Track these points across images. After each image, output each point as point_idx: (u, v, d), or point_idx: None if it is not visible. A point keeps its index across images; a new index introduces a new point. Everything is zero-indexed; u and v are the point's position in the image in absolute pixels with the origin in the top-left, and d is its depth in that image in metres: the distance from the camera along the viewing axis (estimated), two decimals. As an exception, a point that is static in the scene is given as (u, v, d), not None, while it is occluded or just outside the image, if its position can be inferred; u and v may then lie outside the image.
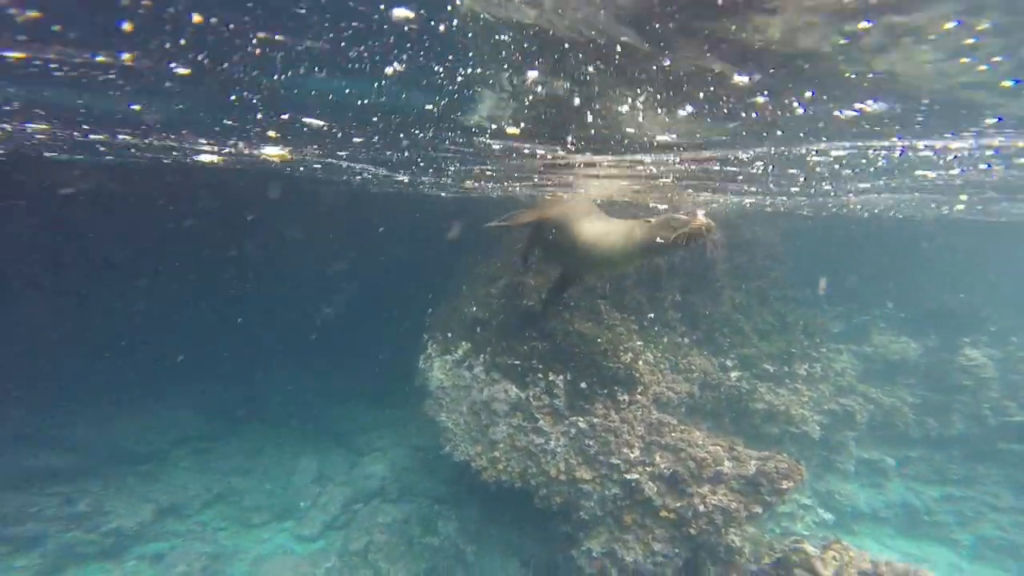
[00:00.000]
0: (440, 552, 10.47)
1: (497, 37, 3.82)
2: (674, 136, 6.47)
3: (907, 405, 13.13)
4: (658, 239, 5.31)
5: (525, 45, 3.97)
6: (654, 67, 4.25)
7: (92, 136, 8.56)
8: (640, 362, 8.72)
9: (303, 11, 3.47)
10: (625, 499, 7.84)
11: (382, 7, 3.33)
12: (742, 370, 10.19)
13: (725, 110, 5.30)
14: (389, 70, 4.49)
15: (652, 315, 9.27)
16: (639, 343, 8.96)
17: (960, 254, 16.19)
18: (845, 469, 11.85)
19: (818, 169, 8.14)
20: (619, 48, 3.86)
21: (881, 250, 15.63)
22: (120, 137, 8.62)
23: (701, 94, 4.88)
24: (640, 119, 5.75)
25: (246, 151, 9.48)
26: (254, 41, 4.00)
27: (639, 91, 4.92)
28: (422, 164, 9.95)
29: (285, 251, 15.82)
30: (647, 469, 7.77)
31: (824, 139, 6.41)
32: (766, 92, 4.76)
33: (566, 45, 3.89)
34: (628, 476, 7.82)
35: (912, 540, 12.75)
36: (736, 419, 10.23)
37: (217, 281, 15.32)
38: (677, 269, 9.44)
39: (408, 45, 3.94)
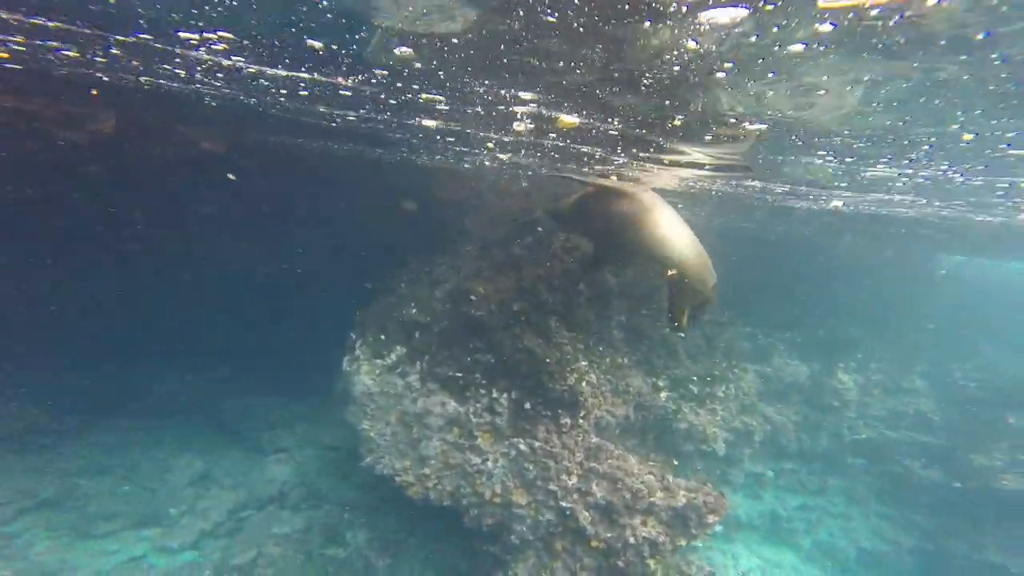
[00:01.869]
0: (345, 566, 9.94)
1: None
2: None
3: (791, 423, 14.54)
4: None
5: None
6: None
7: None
8: (584, 384, 8.76)
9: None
10: (558, 526, 7.91)
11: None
12: (671, 391, 10.66)
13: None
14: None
15: (598, 335, 9.34)
16: (584, 363, 9.00)
17: (849, 286, 18.06)
18: (735, 482, 12.92)
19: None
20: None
21: (788, 278, 17.04)
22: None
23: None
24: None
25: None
26: None
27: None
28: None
29: (175, 215, 13.82)
30: (584, 498, 7.88)
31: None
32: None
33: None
34: (564, 504, 7.88)
35: (771, 545, 14.25)
36: (659, 436, 10.71)
37: (74, 249, 12.84)
38: (627, 289, 9.56)
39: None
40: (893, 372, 16.63)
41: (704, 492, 7.81)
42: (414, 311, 10.87)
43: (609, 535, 7.58)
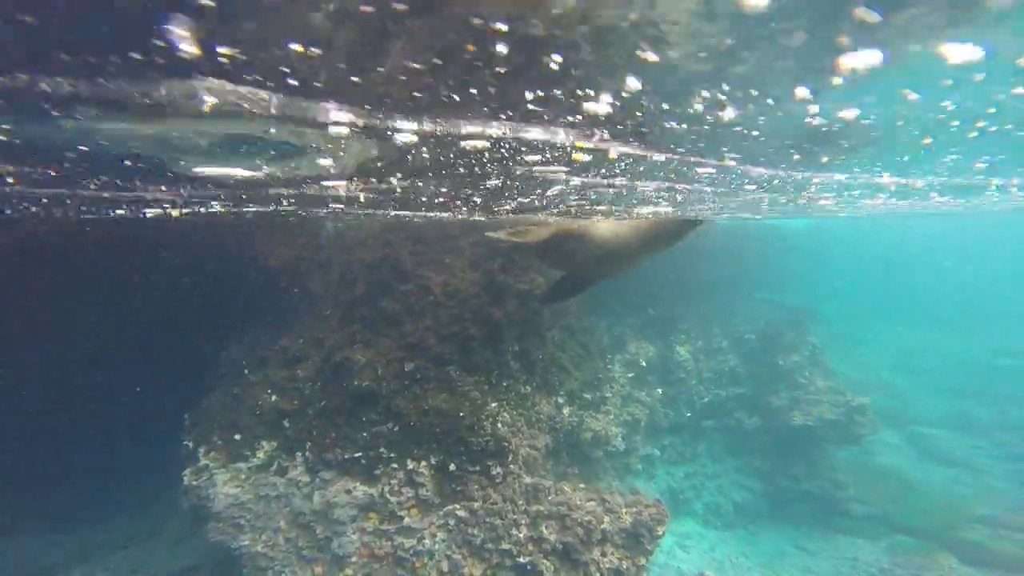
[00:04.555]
0: None
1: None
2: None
3: (657, 402, 15.84)
4: (662, 228, 5.84)
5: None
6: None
7: None
8: (500, 426, 8.26)
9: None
10: (522, 583, 7.29)
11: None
12: (570, 405, 10.69)
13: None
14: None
15: (497, 371, 8.90)
16: (494, 405, 8.49)
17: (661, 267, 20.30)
18: (635, 468, 13.60)
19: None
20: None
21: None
22: None
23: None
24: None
25: None
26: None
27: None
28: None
29: None
30: (540, 546, 7.38)
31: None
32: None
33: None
34: (522, 560, 7.29)
35: (676, 519, 15.31)
36: (571, 451, 10.65)
37: None
38: (513, 318, 9.29)
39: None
40: (707, 337, 19.07)
41: (644, 505, 7.86)
42: (274, 399, 9.24)
43: (576, 576, 7.21)
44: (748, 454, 17.01)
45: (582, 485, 8.43)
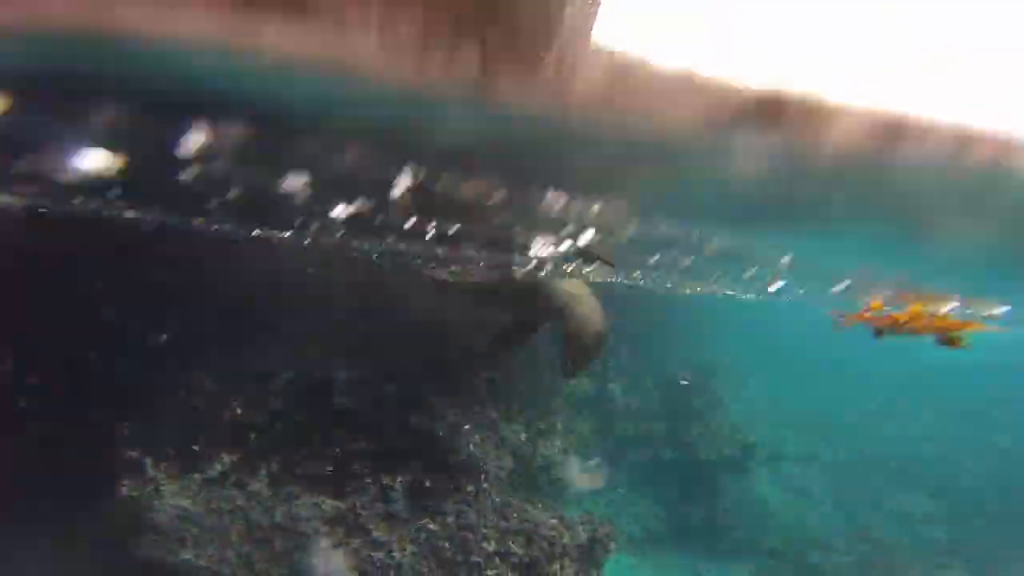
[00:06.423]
0: None
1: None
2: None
3: (591, 432, 16.75)
4: None
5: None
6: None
7: None
8: (472, 447, 8.74)
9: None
10: (487, 596, 7.68)
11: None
12: (527, 431, 11.33)
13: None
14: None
15: (469, 395, 9.42)
16: (468, 426, 8.97)
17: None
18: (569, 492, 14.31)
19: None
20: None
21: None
22: None
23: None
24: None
25: None
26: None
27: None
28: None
29: None
30: (507, 560, 7.84)
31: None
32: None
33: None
34: (489, 572, 7.71)
35: None
36: (524, 474, 11.21)
37: None
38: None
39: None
40: (635, 375, 20.22)
41: (596, 524, 8.63)
42: (239, 411, 9.14)
43: (537, 588, 7.70)
44: (662, 486, 18.16)
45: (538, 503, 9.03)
